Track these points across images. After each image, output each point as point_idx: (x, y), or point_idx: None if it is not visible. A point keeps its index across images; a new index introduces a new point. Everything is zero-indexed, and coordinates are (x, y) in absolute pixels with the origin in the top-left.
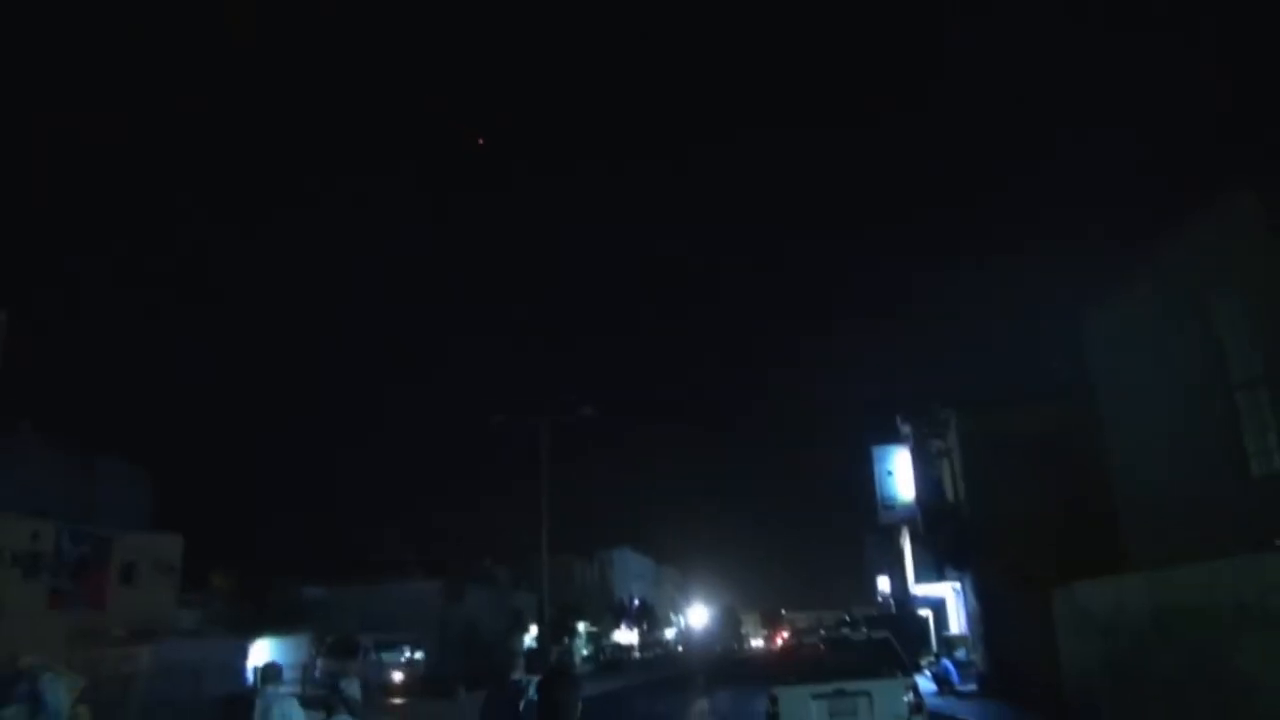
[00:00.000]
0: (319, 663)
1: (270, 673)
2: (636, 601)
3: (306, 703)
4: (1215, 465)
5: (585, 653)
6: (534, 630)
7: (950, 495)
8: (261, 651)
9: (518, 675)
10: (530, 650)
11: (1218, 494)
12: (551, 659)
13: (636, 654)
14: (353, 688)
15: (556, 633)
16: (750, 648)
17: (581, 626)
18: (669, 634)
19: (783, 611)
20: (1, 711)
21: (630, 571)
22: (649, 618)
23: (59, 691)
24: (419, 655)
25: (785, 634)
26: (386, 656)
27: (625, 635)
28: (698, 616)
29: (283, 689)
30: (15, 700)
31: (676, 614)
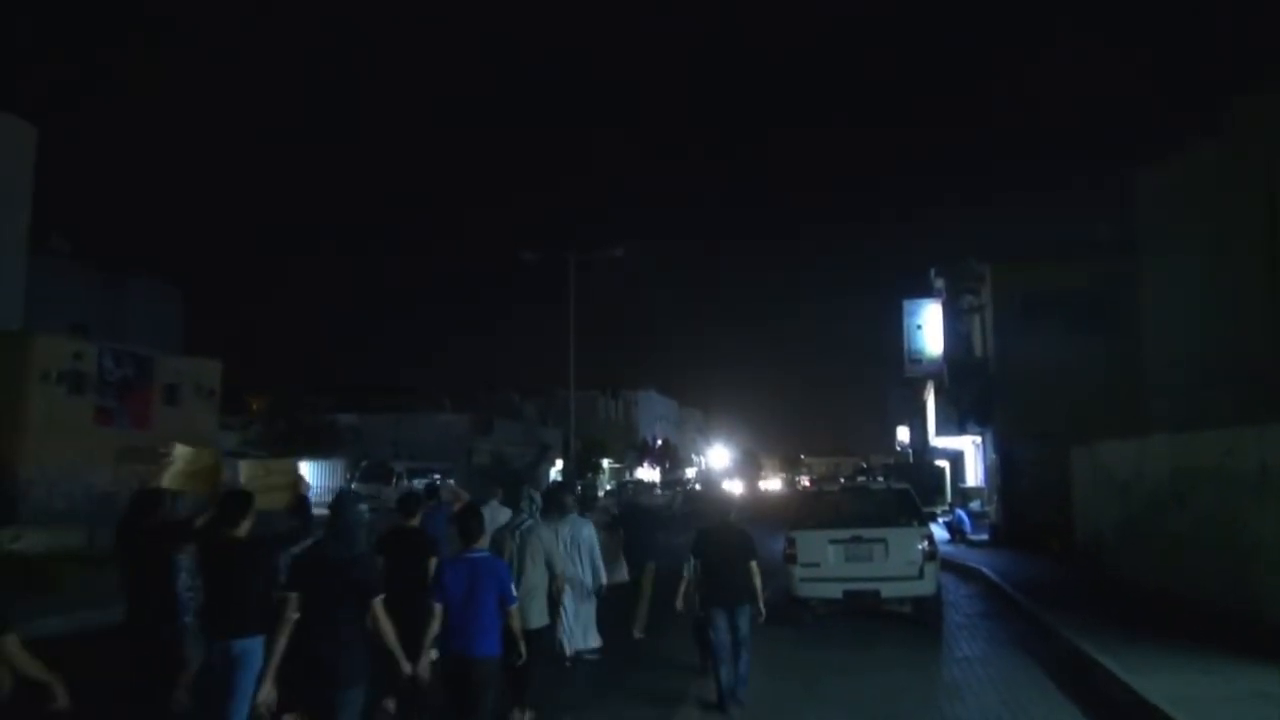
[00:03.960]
0: (353, 486)
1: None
2: (659, 441)
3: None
4: (1253, 330)
5: (608, 487)
6: (559, 464)
7: (979, 351)
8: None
9: (645, 500)
10: (555, 484)
11: (1252, 360)
12: (577, 492)
13: (658, 491)
14: (537, 497)
15: (581, 467)
16: (767, 491)
17: (605, 463)
18: (690, 474)
19: (802, 457)
20: None
21: (654, 412)
22: (671, 457)
23: None
24: (450, 483)
25: (806, 481)
26: (417, 483)
27: (647, 473)
28: (718, 458)
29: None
30: None
31: (698, 455)
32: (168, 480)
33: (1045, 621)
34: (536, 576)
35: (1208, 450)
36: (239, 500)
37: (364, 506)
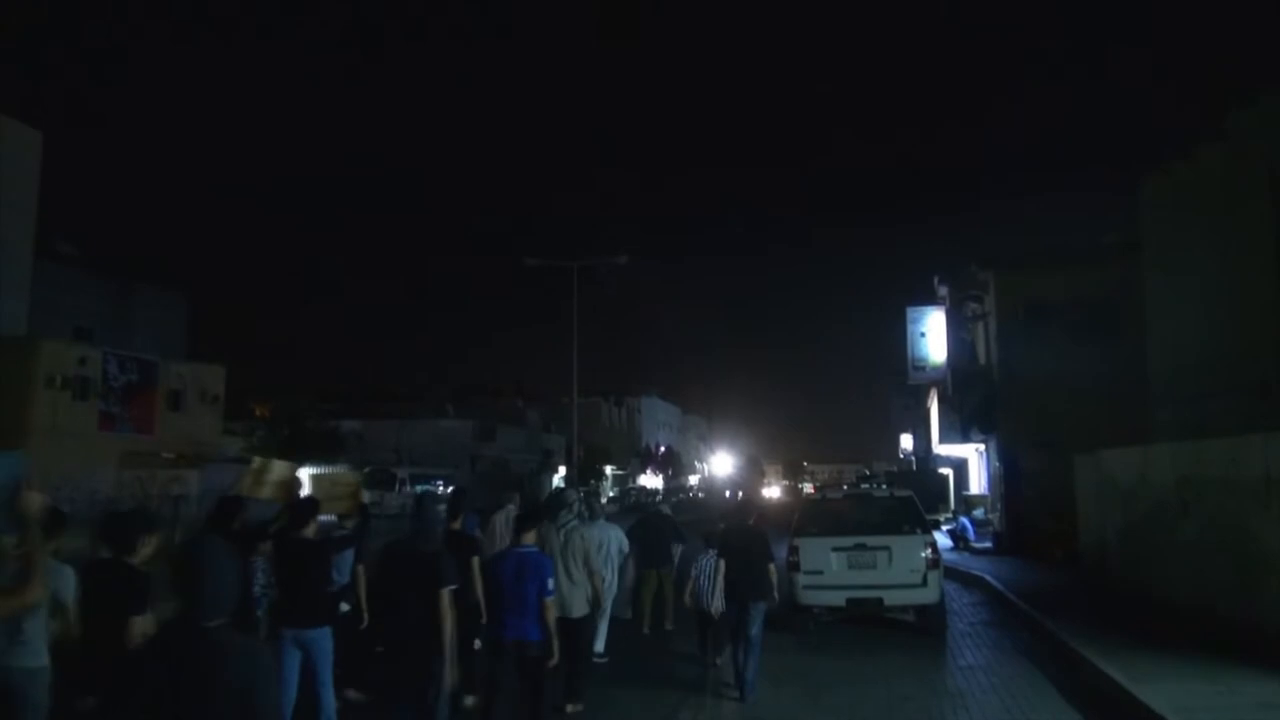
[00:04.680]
0: None
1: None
2: (662, 448)
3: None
4: (1258, 336)
5: (611, 494)
6: (562, 470)
7: (982, 359)
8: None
9: (666, 509)
10: (558, 489)
11: (1257, 365)
12: (580, 498)
13: (660, 498)
14: (580, 502)
15: (584, 474)
16: (770, 498)
17: (608, 469)
18: (693, 480)
19: (805, 463)
20: None
21: (657, 419)
22: (674, 464)
23: None
24: (452, 489)
25: (809, 487)
26: (421, 489)
27: (650, 480)
28: (721, 465)
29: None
30: None
31: (701, 462)
32: (246, 488)
33: (1049, 629)
34: (579, 573)
35: (1212, 458)
36: (307, 505)
37: (441, 507)
